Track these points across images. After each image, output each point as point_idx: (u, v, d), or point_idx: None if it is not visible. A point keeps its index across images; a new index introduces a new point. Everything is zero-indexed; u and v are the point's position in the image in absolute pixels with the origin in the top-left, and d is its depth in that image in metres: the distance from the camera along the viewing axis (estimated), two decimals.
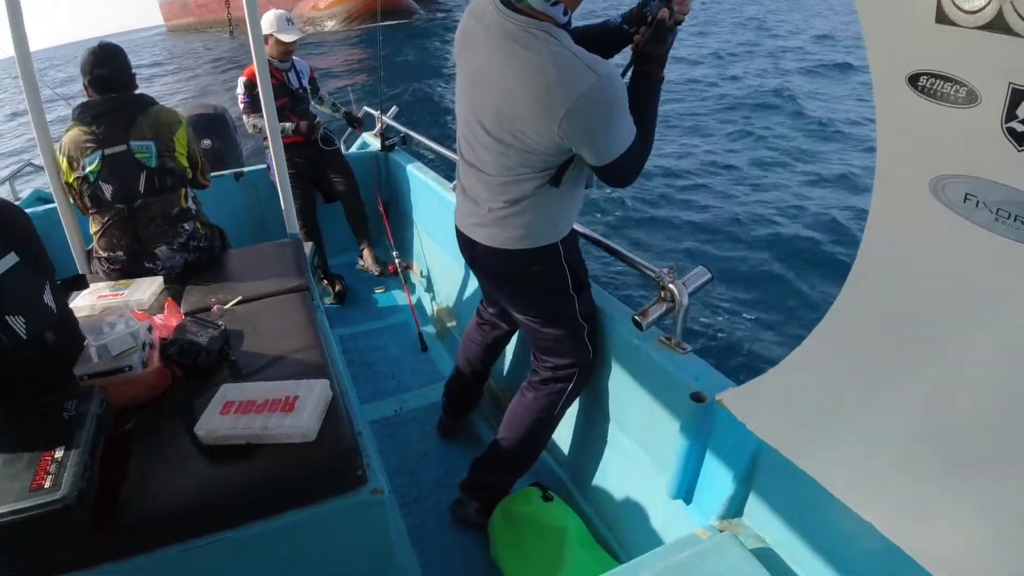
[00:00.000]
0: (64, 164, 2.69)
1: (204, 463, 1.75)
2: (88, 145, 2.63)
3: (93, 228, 2.77)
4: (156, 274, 2.78)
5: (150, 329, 2.15)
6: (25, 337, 1.76)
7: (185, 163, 2.82)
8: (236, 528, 1.66)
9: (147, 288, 2.62)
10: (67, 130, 2.68)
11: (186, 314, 2.43)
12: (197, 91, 23.49)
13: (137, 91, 2.79)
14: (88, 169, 2.63)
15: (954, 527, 1.29)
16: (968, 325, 1.18)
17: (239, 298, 2.57)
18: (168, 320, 2.33)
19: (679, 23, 1.88)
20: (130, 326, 2.03)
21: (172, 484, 1.69)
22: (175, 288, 2.74)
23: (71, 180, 2.71)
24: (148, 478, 1.71)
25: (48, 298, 1.87)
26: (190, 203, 2.87)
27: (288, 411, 1.77)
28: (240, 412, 1.80)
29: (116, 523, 1.59)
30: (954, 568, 1.29)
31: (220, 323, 2.29)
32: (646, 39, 1.86)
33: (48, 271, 1.93)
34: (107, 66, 2.70)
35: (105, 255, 2.79)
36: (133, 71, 2.80)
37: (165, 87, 25.35)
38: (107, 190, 2.67)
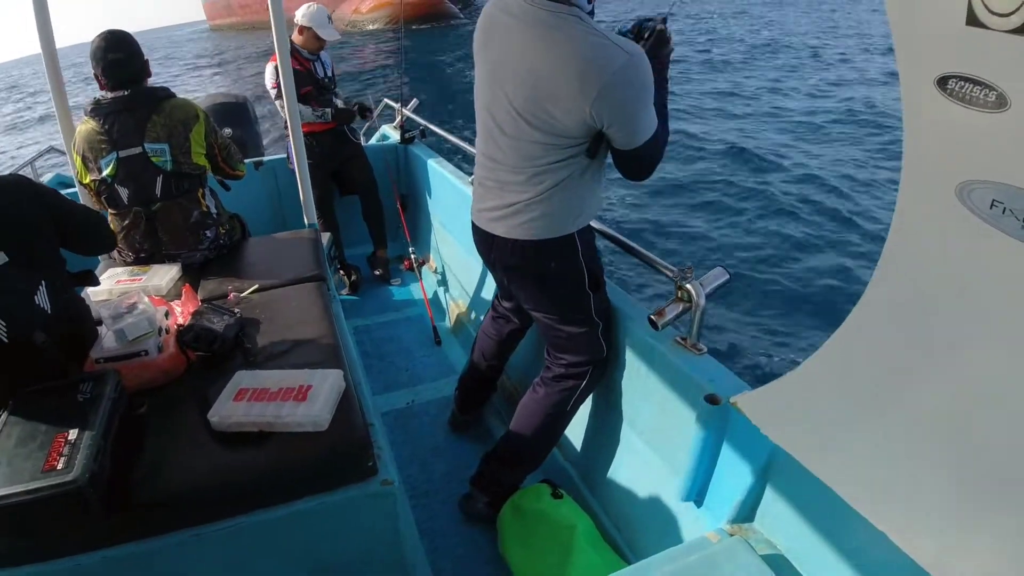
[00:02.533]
0: (79, 163, 2.64)
1: (216, 449, 1.75)
2: (103, 147, 2.58)
3: (113, 226, 2.73)
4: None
5: (166, 315, 2.17)
6: (6, 340, 1.75)
7: (203, 162, 2.76)
8: (247, 514, 1.67)
9: (165, 274, 2.63)
10: (82, 123, 2.63)
11: (203, 301, 2.44)
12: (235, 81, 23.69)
13: (151, 82, 2.74)
14: (105, 172, 2.60)
15: (971, 543, 1.26)
16: (992, 334, 1.16)
17: (255, 286, 2.58)
18: (185, 306, 2.34)
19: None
20: (147, 311, 2.04)
21: (184, 469, 1.70)
22: (193, 275, 2.75)
23: (87, 181, 2.66)
24: (160, 462, 1.71)
25: (42, 297, 1.87)
26: (209, 203, 2.84)
27: (301, 400, 1.77)
28: (253, 399, 1.80)
29: (128, 506, 1.59)
30: None
31: (236, 311, 2.30)
32: (649, 45, 1.93)
33: (49, 266, 1.93)
34: (119, 50, 2.60)
35: (123, 251, 2.78)
36: (146, 58, 2.72)
37: (204, 80, 25.55)
38: (124, 193, 2.64)
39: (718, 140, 10.47)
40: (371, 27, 38.95)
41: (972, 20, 0.97)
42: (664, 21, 1.94)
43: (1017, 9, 0.91)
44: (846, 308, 1.42)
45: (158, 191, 2.65)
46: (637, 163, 1.93)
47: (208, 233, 2.82)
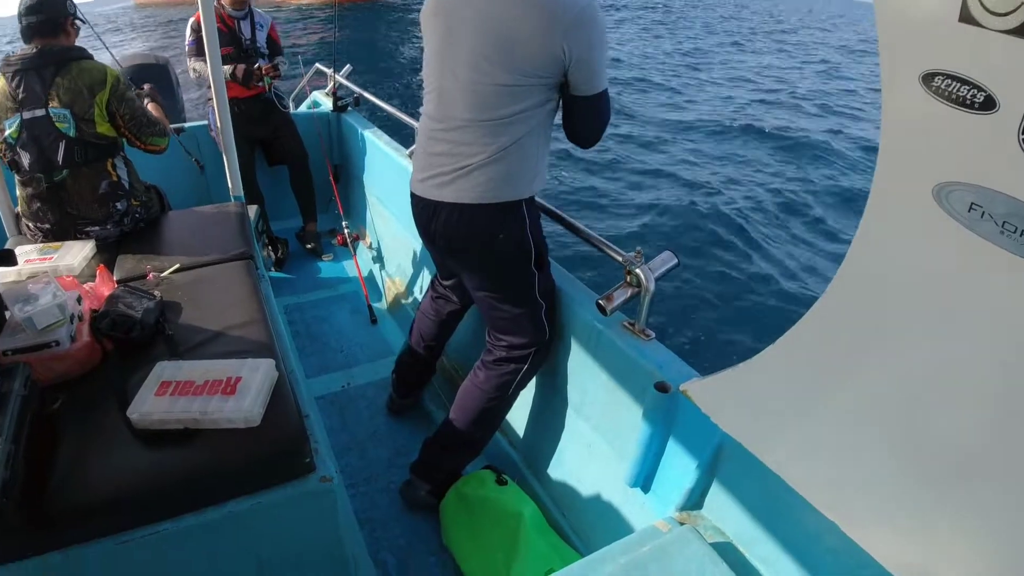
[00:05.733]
0: None
1: (138, 449, 1.63)
2: (9, 106, 2.42)
3: (19, 193, 2.56)
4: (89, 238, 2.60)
5: (79, 299, 2.01)
6: None
7: (111, 132, 2.57)
8: (174, 519, 1.57)
9: (78, 252, 2.45)
10: None
11: (119, 282, 2.28)
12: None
13: (66, 42, 2.53)
14: (8, 132, 2.43)
15: (916, 530, 1.28)
16: (957, 336, 1.15)
17: (177, 265, 2.42)
18: (99, 289, 2.18)
19: None
20: (57, 297, 1.88)
21: (104, 472, 1.58)
22: (108, 252, 2.57)
23: None
24: (78, 465, 1.59)
25: None
26: (120, 173, 2.64)
27: (230, 394, 1.66)
28: (177, 394, 1.68)
29: (44, 515, 1.47)
30: (914, 570, 1.28)
31: (156, 293, 2.14)
32: None
33: None
34: (39, 12, 2.45)
35: (31, 225, 2.60)
36: (69, 17, 2.53)
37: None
38: (25, 158, 2.46)
39: (665, 120, 10.49)
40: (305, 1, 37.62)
41: (966, 17, 0.93)
42: None
43: (1016, 9, 0.88)
44: (797, 299, 1.39)
45: (60, 158, 2.47)
46: (592, 115, 1.95)
47: (119, 205, 2.64)
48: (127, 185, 2.67)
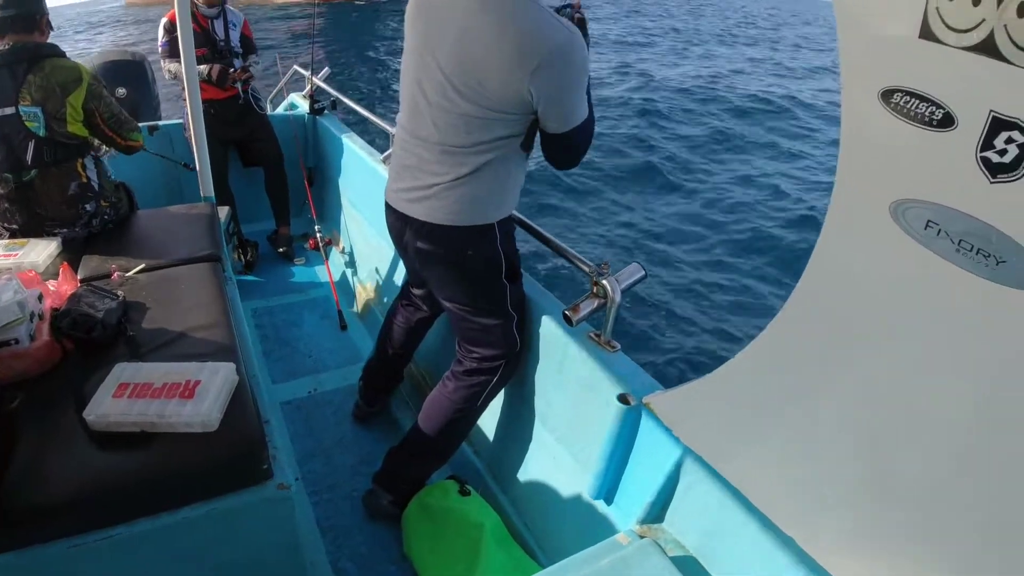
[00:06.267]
0: None
1: (94, 451, 1.61)
2: None
3: None
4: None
5: (40, 298, 1.98)
6: None
7: (82, 132, 2.53)
8: (129, 523, 1.55)
9: (43, 250, 2.42)
10: None
11: (82, 281, 2.25)
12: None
13: (40, 39, 2.49)
14: None
15: (870, 547, 1.29)
16: (913, 350, 1.16)
17: (142, 265, 2.39)
18: (62, 287, 2.15)
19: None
20: (18, 294, 1.85)
21: (60, 473, 1.56)
22: (74, 251, 2.54)
23: None
24: (33, 466, 1.57)
25: None
26: (90, 174, 2.61)
27: (188, 397, 1.64)
28: (135, 396, 1.66)
29: None
30: None
31: (119, 293, 2.12)
32: None
33: None
34: (14, 7, 2.40)
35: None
36: (43, 15, 2.50)
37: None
38: None
39: (635, 136, 10.52)
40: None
41: (926, 33, 0.94)
42: (579, 8, 1.91)
43: (976, 26, 0.88)
44: (765, 315, 1.40)
45: (29, 157, 2.43)
46: (566, 149, 1.89)
47: (88, 207, 2.60)
48: (96, 186, 2.64)
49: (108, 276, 2.33)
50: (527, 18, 1.67)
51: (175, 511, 1.58)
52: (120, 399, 1.65)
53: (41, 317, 1.92)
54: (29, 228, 2.54)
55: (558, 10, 1.92)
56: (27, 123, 2.39)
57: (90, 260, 2.45)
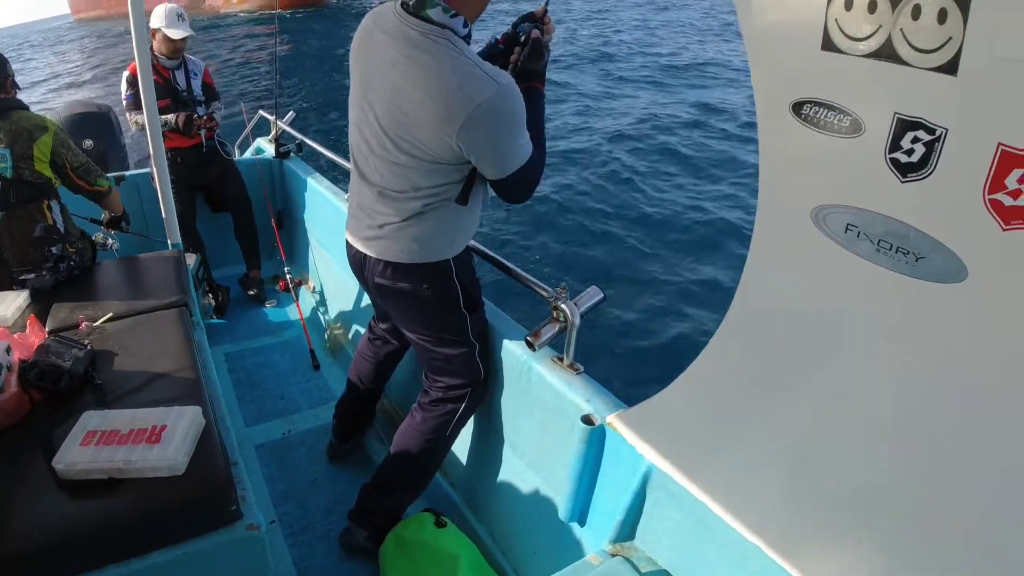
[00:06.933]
0: None
1: (63, 499, 1.62)
2: None
3: None
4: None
5: (8, 350, 1.98)
6: None
7: (48, 173, 2.59)
8: (98, 571, 1.55)
9: (11, 303, 2.43)
10: None
11: (51, 332, 2.26)
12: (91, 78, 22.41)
13: (4, 95, 2.57)
14: None
15: (839, 548, 1.31)
16: (848, 352, 1.20)
17: (110, 314, 2.40)
18: (30, 339, 2.16)
19: (548, 42, 1.95)
20: None
21: (29, 521, 1.57)
22: (42, 302, 2.54)
23: None
24: (3, 516, 1.57)
25: None
26: (56, 216, 2.64)
27: (155, 442, 1.65)
28: (103, 443, 1.67)
29: None
30: None
31: (86, 343, 2.13)
32: (524, 56, 1.89)
33: None
34: None
35: None
36: (9, 76, 2.58)
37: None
38: None
39: (590, 157, 10.58)
40: (242, 14, 37.18)
41: (828, 45, 0.99)
42: (542, 20, 1.91)
43: (873, 33, 0.93)
44: (716, 327, 1.44)
45: None
46: (510, 189, 1.88)
47: (54, 250, 2.63)
48: (62, 229, 2.66)
49: (76, 327, 2.34)
50: (453, 75, 1.66)
51: (144, 556, 1.58)
52: (88, 447, 1.66)
53: (10, 369, 1.93)
54: None
55: (515, 25, 1.95)
56: None
57: (58, 311, 2.46)
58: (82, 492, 1.62)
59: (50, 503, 1.61)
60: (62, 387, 1.95)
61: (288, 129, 4.57)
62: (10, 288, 2.56)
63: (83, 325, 2.34)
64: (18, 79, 2.69)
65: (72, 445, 1.67)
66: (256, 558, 1.72)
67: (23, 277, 2.58)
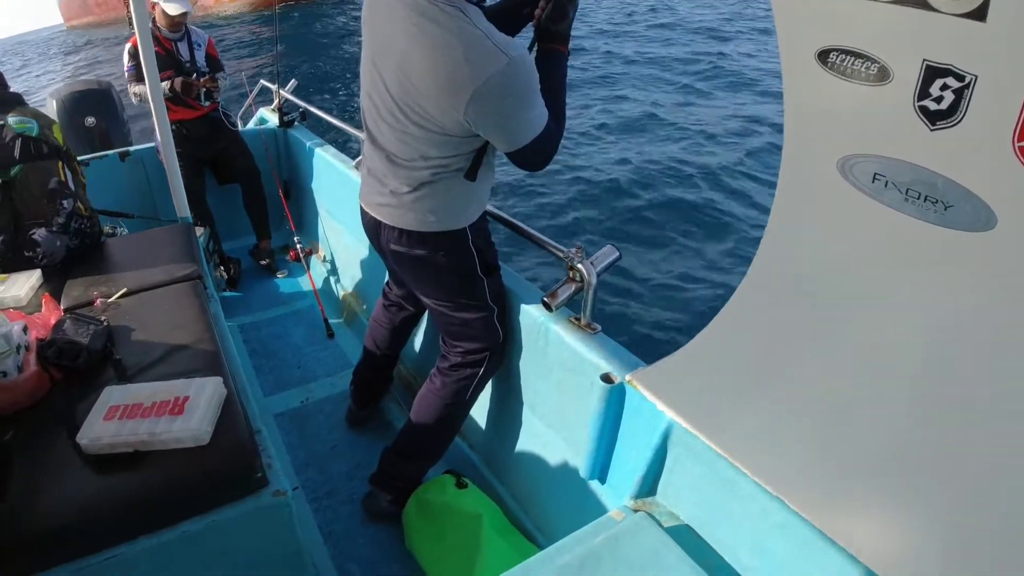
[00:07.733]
0: None
1: (90, 474, 1.63)
2: None
3: None
4: (36, 266, 2.57)
5: (25, 330, 1.99)
6: None
7: (63, 142, 2.66)
8: (130, 542, 1.56)
9: (24, 283, 2.42)
10: None
11: (66, 310, 2.26)
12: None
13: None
14: None
15: (863, 502, 1.31)
16: (875, 304, 1.19)
17: (124, 290, 2.40)
18: (46, 318, 2.16)
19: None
20: (2, 328, 1.87)
21: (57, 499, 1.58)
22: (55, 281, 2.54)
23: None
24: (31, 494, 1.59)
25: None
26: (67, 176, 2.68)
27: (178, 413, 1.66)
28: (126, 417, 1.67)
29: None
30: (863, 543, 1.31)
31: (103, 319, 2.13)
32: (547, 15, 1.79)
33: None
34: None
35: None
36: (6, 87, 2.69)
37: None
38: None
39: (604, 119, 10.48)
40: (232, 13, 36.76)
41: None
42: None
43: None
44: (737, 283, 1.43)
45: (17, 153, 2.50)
46: (524, 159, 1.81)
47: (65, 204, 2.64)
48: (72, 187, 2.69)
49: (91, 303, 2.34)
50: (460, 45, 1.59)
51: (174, 527, 1.59)
52: (111, 421, 1.66)
53: (28, 348, 1.94)
54: (8, 228, 2.55)
55: None
56: (17, 127, 2.50)
57: (72, 289, 2.46)
58: (108, 467, 1.63)
59: (77, 479, 1.62)
60: (81, 364, 1.95)
61: (291, 97, 4.53)
62: (22, 257, 2.56)
63: (98, 302, 2.34)
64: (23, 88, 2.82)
65: (95, 420, 1.68)
66: (284, 524, 1.74)
67: (32, 233, 2.56)
